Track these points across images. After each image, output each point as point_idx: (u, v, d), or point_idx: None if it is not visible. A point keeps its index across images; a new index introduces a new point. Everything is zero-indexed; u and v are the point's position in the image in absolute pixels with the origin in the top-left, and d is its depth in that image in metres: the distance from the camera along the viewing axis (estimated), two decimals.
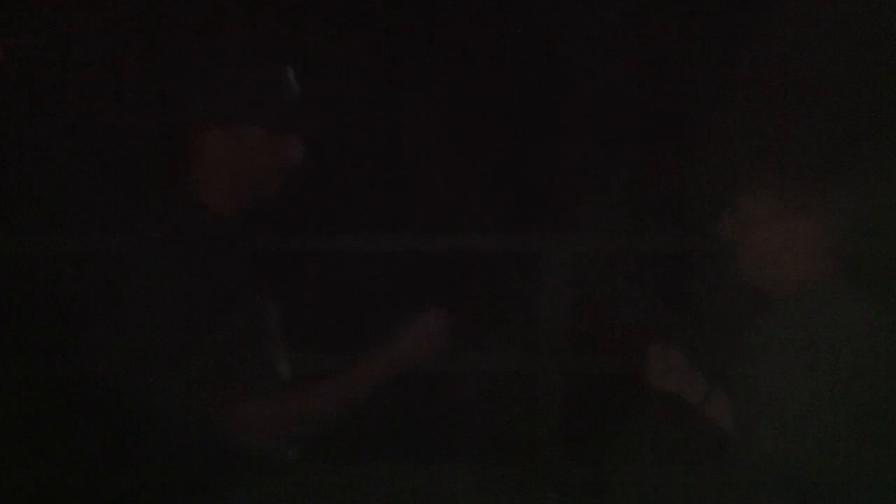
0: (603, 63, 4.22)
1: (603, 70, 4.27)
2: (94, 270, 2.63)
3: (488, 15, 4.32)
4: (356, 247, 4.13)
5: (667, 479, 2.64)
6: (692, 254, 3.78)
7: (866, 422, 1.99)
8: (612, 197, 4.04)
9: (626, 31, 4.28)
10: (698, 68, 3.83)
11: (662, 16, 4.22)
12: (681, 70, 4.07)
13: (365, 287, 3.95)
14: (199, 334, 2.16)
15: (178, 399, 2.16)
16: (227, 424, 2.19)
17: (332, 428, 2.30)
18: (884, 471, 1.96)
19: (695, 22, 4.14)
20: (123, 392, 2.22)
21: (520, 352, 3.87)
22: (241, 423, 2.20)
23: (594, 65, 4.21)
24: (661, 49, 4.31)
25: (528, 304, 3.62)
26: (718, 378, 2.34)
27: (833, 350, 2.05)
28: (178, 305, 2.16)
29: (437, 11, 4.30)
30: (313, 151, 2.31)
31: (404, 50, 4.37)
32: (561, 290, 3.85)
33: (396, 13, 4.32)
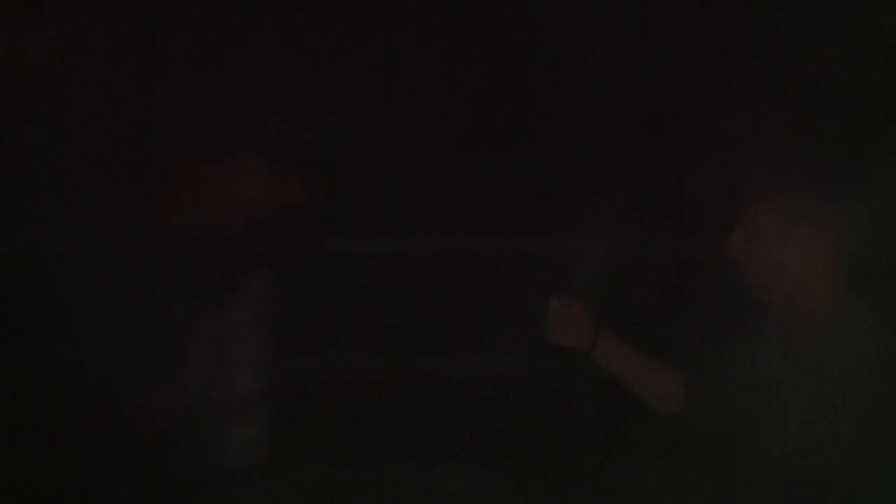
0: (611, 68, 4.23)
1: (611, 76, 4.27)
2: (89, 268, 2.64)
3: (495, 16, 4.33)
4: (362, 249, 4.15)
5: (667, 479, 2.65)
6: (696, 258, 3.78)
7: (867, 423, 1.99)
8: (617, 200, 4.05)
9: (636, 33, 4.28)
10: (705, 74, 3.82)
11: (668, 20, 4.23)
12: (688, 76, 4.06)
13: (369, 289, 3.96)
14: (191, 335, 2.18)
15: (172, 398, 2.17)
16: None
17: (332, 428, 2.31)
18: (884, 471, 1.96)
19: (698, 26, 4.15)
20: (119, 390, 2.22)
21: (522, 354, 3.89)
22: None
23: (605, 71, 4.22)
24: (663, 52, 4.32)
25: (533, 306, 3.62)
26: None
27: (834, 351, 2.06)
28: (171, 306, 2.18)
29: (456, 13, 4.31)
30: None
31: (425, 56, 4.38)
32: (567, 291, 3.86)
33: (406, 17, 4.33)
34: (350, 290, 3.65)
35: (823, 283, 2.07)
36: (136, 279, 2.25)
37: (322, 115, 2.41)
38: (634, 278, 3.82)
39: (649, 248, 4.08)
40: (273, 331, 2.44)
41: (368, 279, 3.80)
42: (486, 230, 4.25)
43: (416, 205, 4.38)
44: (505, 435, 3.52)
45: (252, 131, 2.33)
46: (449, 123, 4.32)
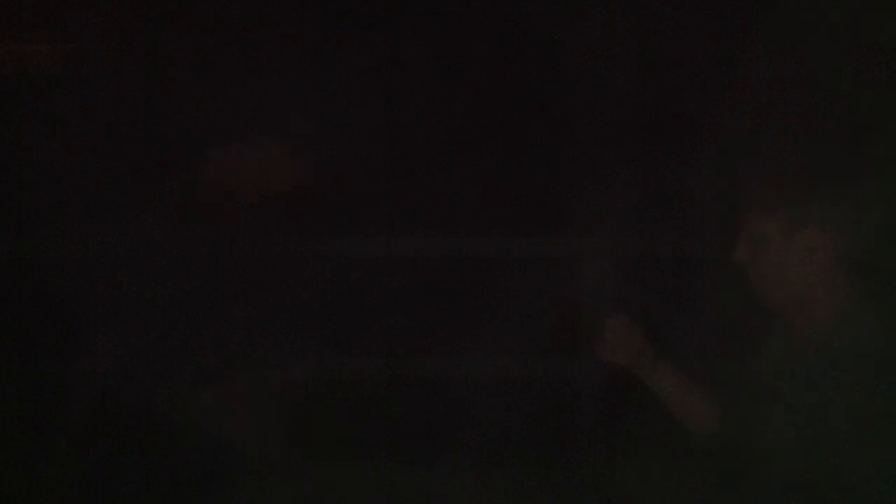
0: (615, 72, 4.24)
1: (615, 79, 4.28)
2: (97, 272, 2.64)
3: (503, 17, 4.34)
4: (365, 250, 4.16)
5: (667, 479, 2.65)
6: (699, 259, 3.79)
7: (869, 426, 1.99)
8: (622, 203, 4.06)
9: (638, 36, 4.29)
10: (710, 78, 3.83)
11: (670, 22, 4.24)
12: (693, 80, 4.07)
13: (380, 290, 3.97)
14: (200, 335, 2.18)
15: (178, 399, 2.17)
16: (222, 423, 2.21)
17: (333, 428, 2.31)
18: (885, 472, 1.96)
19: (701, 29, 4.15)
20: (125, 393, 2.22)
21: (522, 354, 3.90)
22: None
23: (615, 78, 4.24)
24: (667, 56, 4.32)
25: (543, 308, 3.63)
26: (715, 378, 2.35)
27: (838, 355, 2.06)
28: (171, 308, 2.18)
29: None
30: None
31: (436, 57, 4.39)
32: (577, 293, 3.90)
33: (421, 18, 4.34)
34: (350, 290, 3.65)
35: (827, 288, 2.08)
36: (135, 282, 2.25)
37: (323, 116, 2.42)
38: (636, 282, 3.83)
39: (651, 252, 4.09)
40: (273, 332, 2.44)
41: (369, 279, 3.80)
42: (485, 232, 4.26)
43: (418, 205, 4.39)
44: (505, 435, 3.52)
45: (251, 134, 2.34)
46: (451, 124, 4.33)
